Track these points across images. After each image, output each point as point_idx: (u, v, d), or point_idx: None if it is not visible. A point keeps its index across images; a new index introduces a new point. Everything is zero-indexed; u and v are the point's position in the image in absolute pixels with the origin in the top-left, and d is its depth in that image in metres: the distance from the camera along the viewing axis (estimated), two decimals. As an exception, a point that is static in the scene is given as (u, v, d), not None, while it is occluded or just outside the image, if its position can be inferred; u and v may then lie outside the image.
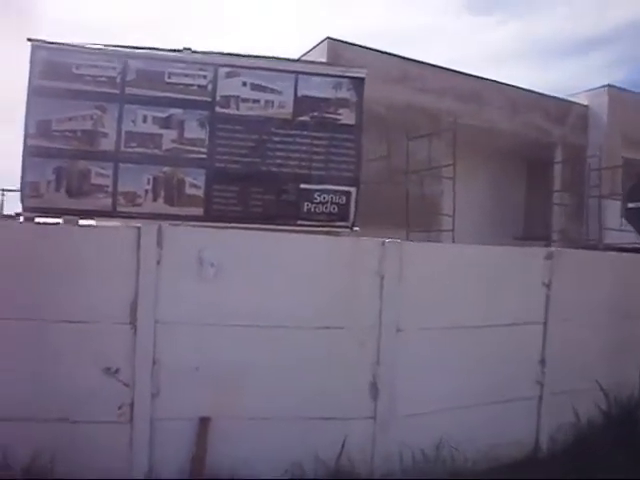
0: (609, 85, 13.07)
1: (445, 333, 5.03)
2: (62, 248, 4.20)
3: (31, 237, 4.24)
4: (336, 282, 4.70)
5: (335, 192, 5.06)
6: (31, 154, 4.61)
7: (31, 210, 4.58)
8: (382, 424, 4.72)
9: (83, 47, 4.75)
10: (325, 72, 5.19)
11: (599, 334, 5.82)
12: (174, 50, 4.93)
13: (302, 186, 5.03)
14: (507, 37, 42.56)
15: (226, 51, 5.02)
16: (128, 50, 4.83)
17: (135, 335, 4.25)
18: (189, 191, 4.84)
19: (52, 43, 4.66)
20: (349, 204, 5.11)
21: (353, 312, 4.73)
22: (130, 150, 4.75)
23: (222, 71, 4.91)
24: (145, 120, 4.75)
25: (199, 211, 4.89)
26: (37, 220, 4.57)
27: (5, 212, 12.83)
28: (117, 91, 4.73)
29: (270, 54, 5.23)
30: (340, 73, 5.19)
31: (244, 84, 4.93)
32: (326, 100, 5.06)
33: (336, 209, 5.09)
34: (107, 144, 4.70)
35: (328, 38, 10.87)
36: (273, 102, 4.97)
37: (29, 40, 4.54)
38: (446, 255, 5.31)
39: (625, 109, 12.80)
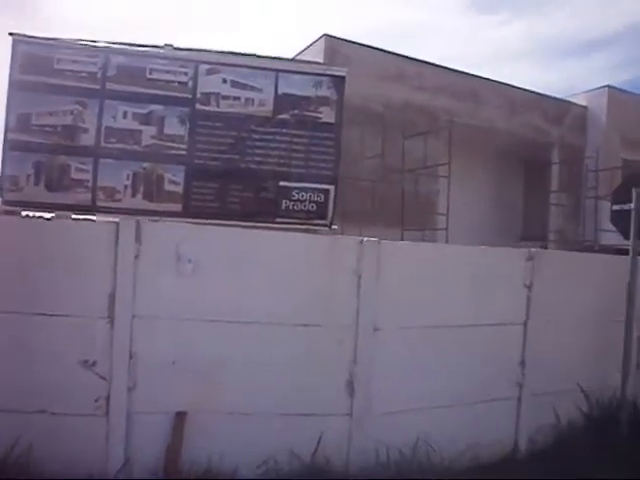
0: (608, 86, 13.03)
1: (424, 333, 5.04)
2: (40, 242, 4.24)
3: (9, 231, 4.27)
4: (314, 280, 4.73)
5: (314, 190, 5.06)
6: (11, 148, 4.63)
7: (10, 204, 4.60)
8: (358, 421, 4.75)
9: (64, 42, 4.76)
10: (306, 70, 5.17)
11: (581, 335, 5.81)
12: (155, 46, 4.93)
13: (281, 184, 5.03)
14: (510, 36, 42.31)
15: (207, 48, 5.03)
16: (109, 46, 4.83)
17: (112, 329, 4.29)
18: (168, 187, 4.85)
19: (33, 37, 4.67)
20: (327, 202, 5.11)
21: (331, 310, 4.75)
22: (110, 146, 4.75)
23: (203, 68, 4.91)
24: (125, 116, 4.75)
25: (178, 207, 4.90)
26: (23, 214, 4.60)
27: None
28: (98, 86, 4.74)
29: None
30: (321, 71, 5.19)
31: (224, 81, 4.92)
32: (306, 98, 5.05)
33: (314, 207, 5.09)
34: (87, 139, 4.71)
35: (325, 35, 10.86)
36: (253, 100, 4.97)
37: (10, 34, 4.55)
38: (426, 255, 5.32)
39: (624, 110, 12.76)
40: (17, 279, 4.16)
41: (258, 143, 5.00)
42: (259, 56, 5.08)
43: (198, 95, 4.91)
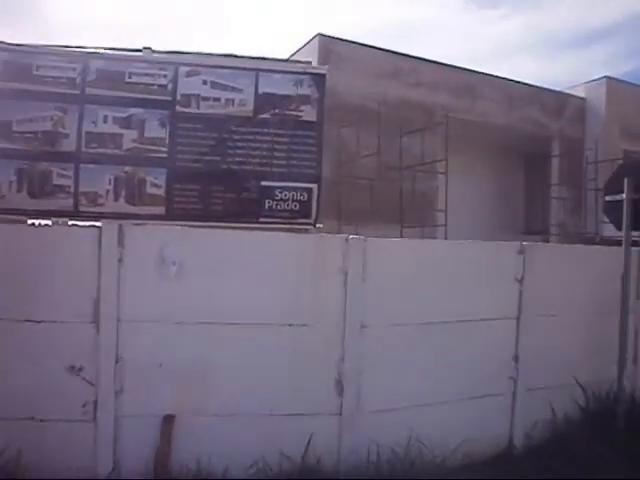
0: (607, 77, 12.90)
1: (413, 329, 4.99)
2: (24, 248, 4.24)
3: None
4: (299, 279, 4.69)
5: (296, 189, 5.04)
6: (-7, 155, 4.66)
7: (-7, 211, 4.63)
8: (348, 420, 4.70)
9: (43, 48, 4.77)
10: (286, 69, 5.15)
11: (577, 328, 5.73)
12: (134, 50, 4.94)
13: (263, 183, 5.00)
14: (511, 30, 42.17)
15: (186, 50, 5.03)
16: (88, 51, 4.84)
17: (98, 333, 4.28)
18: (150, 190, 4.84)
19: (12, 44, 4.68)
20: (311, 201, 5.08)
21: (317, 309, 4.71)
22: (91, 150, 4.75)
23: (182, 70, 4.89)
24: (106, 120, 4.75)
25: (160, 210, 4.89)
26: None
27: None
28: (77, 92, 4.74)
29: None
30: (301, 70, 5.17)
31: (204, 82, 4.91)
32: (287, 97, 5.02)
33: (298, 206, 5.06)
34: (68, 145, 4.71)
35: (319, 34, 10.86)
36: (234, 100, 4.95)
37: (-13, 43, 4.59)
38: (414, 251, 5.25)
39: (623, 101, 12.64)
40: (1, 286, 4.16)
41: (239, 143, 4.97)
42: (239, 56, 5.08)
43: (178, 97, 4.89)
